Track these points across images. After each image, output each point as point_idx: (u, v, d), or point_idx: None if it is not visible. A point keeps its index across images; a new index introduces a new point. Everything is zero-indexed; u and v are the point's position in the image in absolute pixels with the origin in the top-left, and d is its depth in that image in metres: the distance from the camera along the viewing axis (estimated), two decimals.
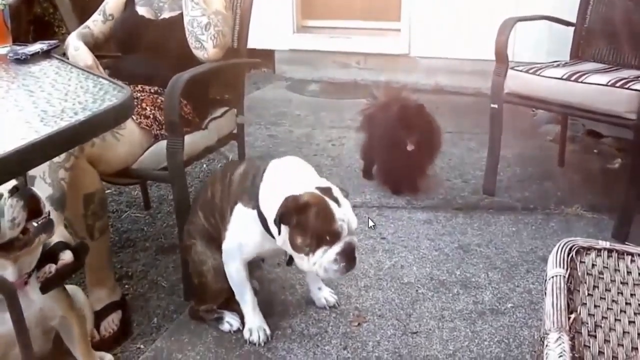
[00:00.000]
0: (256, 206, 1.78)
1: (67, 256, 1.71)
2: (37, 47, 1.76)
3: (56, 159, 1.85)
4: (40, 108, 1.25)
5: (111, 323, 2.04)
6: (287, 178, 1.78)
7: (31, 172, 1.84)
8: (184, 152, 2.07)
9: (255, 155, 3.46)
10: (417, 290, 2.22)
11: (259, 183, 1.79)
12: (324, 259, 1.69)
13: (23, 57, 1.70)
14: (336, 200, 1.72)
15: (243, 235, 1.85)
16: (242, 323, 1.99)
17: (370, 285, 2.25)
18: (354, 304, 2.14)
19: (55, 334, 1.73)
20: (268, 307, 2.09)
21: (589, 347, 1.04)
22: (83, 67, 2.10)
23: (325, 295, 2.13)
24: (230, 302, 2.02)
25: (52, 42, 1.83)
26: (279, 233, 1.72)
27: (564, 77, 2.60)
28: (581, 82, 2.54)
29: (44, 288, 1.64)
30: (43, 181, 1.84)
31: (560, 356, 0.97)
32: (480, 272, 2.33)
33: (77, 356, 1.73)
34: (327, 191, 1.73)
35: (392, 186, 3.02)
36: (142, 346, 2.00)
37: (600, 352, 1.03)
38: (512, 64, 2.82)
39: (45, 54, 1.76)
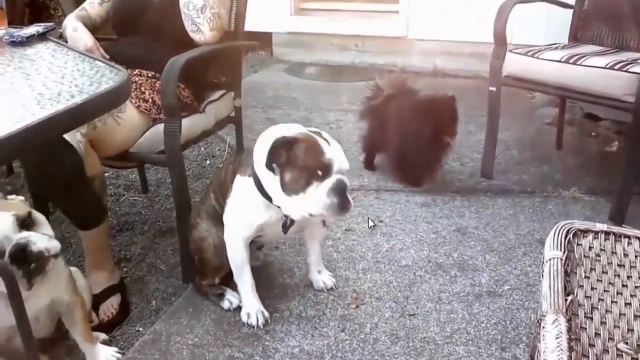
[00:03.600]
0: (252, 172, 1.80)
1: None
2: (33, 29, 1.76)
3: None
4: (36, 91, 1.25)
5: (110, 306, 2.05)
6: (272, 133, 1.79)
7: None
8: (181, 135, 2.06)
9: (253, 139, 3.45)
10: (414, 273, 2.22)
11: (251, 149, 1.84)
12: (316, 194, 1.70)
13: (19, 39, 1.69)
14: (326, 140, 1.76)
15: (242, 205, 1.86)
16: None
17: (368, 267, 2.26)
18: (351, 287, 2.15)
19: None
20: (266, 290, 2.10)
21: (586, 328, 1.05)
22: (83, 49, 2.10)
23: (324, 278, 2.14)
24: (232, 281, 2.04)
25: (47, 24, 1.82)
26: (275, 173, 1.73)
27: (563, 59, 2.59)
28: (579, 64, 2.53)
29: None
30: None
31: (557, 338, 0.98)
32: (477, 254, 2.34)
33: (77, 338, 1.75)
34: (316, 133, 1.78)
35: (413, 180, 2.90)
36: (140, 329, 2.01)
37: (597, 334, 1.04)
38: (511, 47, 2.81)
39: (41, 37, 1.75)
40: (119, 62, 2.22)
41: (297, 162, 1.70)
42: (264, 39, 5.26)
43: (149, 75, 2.25)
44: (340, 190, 1.71)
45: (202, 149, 3.44)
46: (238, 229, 1.90)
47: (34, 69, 1.45)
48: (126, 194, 2.95)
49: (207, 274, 2.05)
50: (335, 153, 1.73)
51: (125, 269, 2.34)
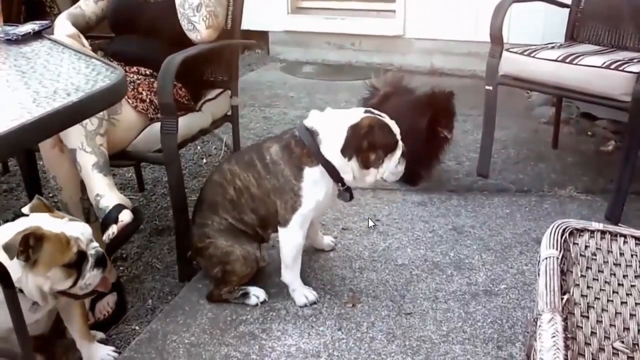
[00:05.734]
0: (321, 160, 1.93)
1: (125, 217, 1.79)
2: (29, 27, 1.74)
3: (89, 127, 1.89)
4: (32, 89, 1.24)
5: (106, 305, 2.04)
6: (335, 120, 1.96)
7: (70, 146, 1.88)
8: (178, 134, 2.06)
9: (250, 137, 3.45)
10: (411, 272, 2.23)
11: (313, 140, 1.93)
12: (391, 164, 1.96)
13: (14, 37, 1.68)
14: (382, 116, 1.96)
15: (319, 193, 1.96)
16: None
17: (365, 266, 2.26)
18: (348, 286, 2.15)
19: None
20: (263, 289, 2.09)
21: (582, 327, 1.05)
22: (63, 35, 2.08)
23: (327, 240, 2.37)
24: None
25: (43, 22, 1.81)
26: (350, 159, 1.91)
27: (559, 59, 2.59)
28: (576, 64, 2.54)
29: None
30: (84, 152, 1.90)
31: (553, 336, 0.98)
32: (474, 253, 2.34)
33: (74, 335, 1.75)
34: (372, 112, 1.97)
35: (411, 178, 2.86)
36: (137, 327, 2.01)
37: (593, 333, 1.04)
38: (507, 46, 2.80)
39: (37, 35, 1.74)
40: (115, 60, 2.23)
41: (376, 143, 1.91)
42: (260, 38, 5.25)
43: (147, 73, 2.25)
44: (404, 155, 1.98)
45: (199, 147, 3.43)
46: (309, 216, 1.99)
47: (30, 67, 1.45)
48: (122, 193, 2.93)
49: (231, 283, 2.05)
50: (394, 125, 1.96)
51: (121, 268, 2.34)
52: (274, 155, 1.97)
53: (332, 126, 1.94)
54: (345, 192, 2.02)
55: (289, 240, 2.01)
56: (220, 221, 2.03)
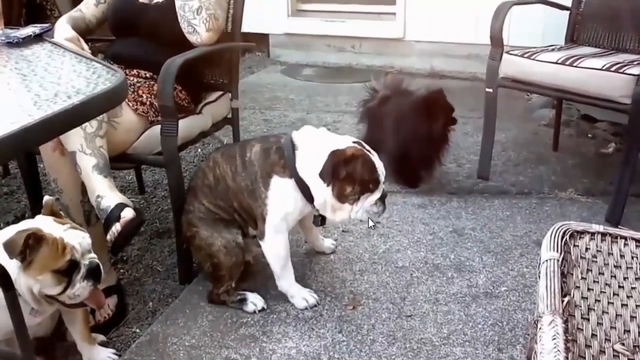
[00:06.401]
0: (294, 174, 1.90)
1: (128, 214, 1.79)
2: (29, 30, 1.75)
3: (89, 130, 1.89)
4: (33, 92, 1.25)
5: (107, 307, 2.04)
6: (321, 141, 1.93)
7: (70, 148, 1.88)
8: (178, 136, 2.06)
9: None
10: (411, 274, 2.23)
11: (292, 153, 1.91)
12: (367, 203, 1.90)
13: (15, 40, 1.68)
14: (370, 152, 1.91)
15: (286, 205, 1.95)
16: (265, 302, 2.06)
17: (365, 269, 2.26)
18: (348, 288, 2.15)
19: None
20: (263, 292, 2.10)
21: (582, 329, 1.05)
22: (63, 39, 2.09)
23: (328, 243, 2.35)
24: (243, 282, 2.10)
25: (44, 25, 1.81)
26: (328, 185, 1.86)
27: (559, 61, 2.60)
28: (576, 66, 2.54)
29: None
30: (83, 154, 1.90)
31: (554, 339, 0.98)
32: (474, 255, 2.34)
33: (75, 338, 1.76)
34: (361, 144, 1.93)
35: (412, 180, 2.91)
36: (137, 330, 2.01)
37: (593, 335, 1.04)
38: (507, 48, 2.81)
39: (38, 38, 1.74)
40: (116, 62, 2.23)
41: (355, 176, 1.86)
42: (261, 40, 5.26)
43: (147, 76, 2.25)
44: (383, 198, 1.93)
45: (199, 150, 3.43)
46: (282, 225, 1.97)
47: (31, 70, 1.45)
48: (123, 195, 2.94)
49: (223, 279, 2.04)
50: (380, 165, 1.90)
51: (122, 270, 2.34)
52: (253, 154, 1.98)
53: (316, 146, 1.91)
54: (318, 216, 2.03)
55: (271, 251, 2.01)
56: (199, 207, 2.04)
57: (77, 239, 1.56)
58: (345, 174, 1.84)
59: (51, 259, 1.50)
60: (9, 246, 1.45)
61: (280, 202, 1.94)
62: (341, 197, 1.88)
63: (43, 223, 1.55)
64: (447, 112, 2.76)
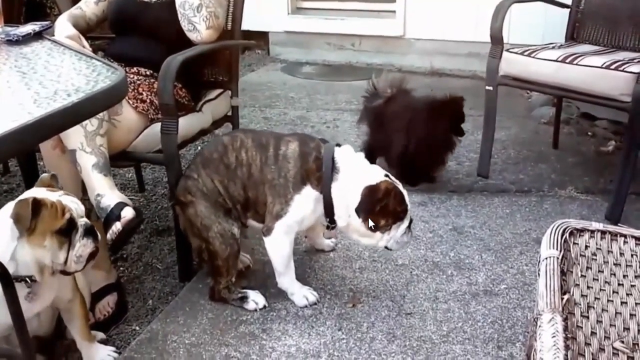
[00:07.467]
0: (325, 192, 1.94)
1: (128, 213, 1.79)
2: (29, 28, 1.75)
3: (89, 128, 1.89)
4: (33, 90, 1.25)
5: (106, 305, 2.05)
6: (358, 170, 1.97)
7: (70, 146, 1.88)
8: (178, 134, 2.06)
9: None
10: (411, 272, 2.23)
11: (331, 172, 1.93)
12: (398, 233, 1.96)
13: (15, 38, 1.68)
14: (397, 183, 1.98)
15: (307, 213, 1.97)
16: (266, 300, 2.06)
17: (365, 267, 2.26)
18: (348, 286, 2.15)
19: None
20: (263, 289, 2.10)
21: (582, 327, 1.05)
22: (64, 36, 2.09)
23: (328, 241, 2.36)
24: (243, 280, 2.10)
25: (44, 23, 1.81)
26: (364, 220, 1.92)
27: (559, 59, 2.59)
28: (576, 64, 2.54)
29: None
30: (84, 152, 1.90)
31: (553, 336, 0.98)
32: (474, 253, 2.34)
33: (75, 336, 1.75)
34: (389, 177, 1.98)
35: (415, 180, 2.88)
36: (137, 328, 2.01)
37: (593, 333, 1.04)
38: (507, 46, 2.81)
39: (37, 35, 1.74)
40: (116, 60, 2.23)
41: (389, 210, 1.92)
42: (261, 38, 5.26)
43: (147, 73, 2.25)
44: (411, 225, 2.00)
45: (199, 148, 3.42)
46: (293, 228, 1.99)
47: (30, 68, 1.45)
48: (123, 194, 2.94)
49: (221, 271, 2.01)
50: (406, 193, 1.97)
51: (121, 268, 2.34)
52: (289, 151, 1.95)
53: (353, 175, 1.94)
54: (328, 229, 2.06)
55: (275, 249, 2.01)
56: (206, 180, 1.99)
57: (72, 203, 1.58)
58: (380, 209, 1.91)
59: (52, 220, 1.51)
60: (18, 219, 1.46)
61: (303, 209, 1.95)
62: (375, 228, 1.94)
63: (37, 193, 1.56)
64: (462, 121, 2.82)
